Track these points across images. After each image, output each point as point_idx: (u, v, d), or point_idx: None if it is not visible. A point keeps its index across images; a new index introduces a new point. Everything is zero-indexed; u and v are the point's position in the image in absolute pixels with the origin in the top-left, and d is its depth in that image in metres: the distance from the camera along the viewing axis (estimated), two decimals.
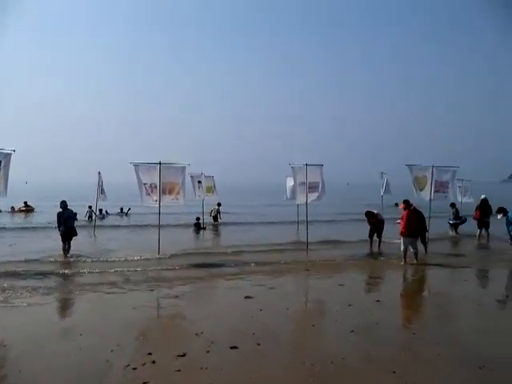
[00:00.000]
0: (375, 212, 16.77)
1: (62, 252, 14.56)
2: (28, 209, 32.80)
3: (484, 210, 18.96)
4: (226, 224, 25.34)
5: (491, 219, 18.45)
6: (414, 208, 13.77)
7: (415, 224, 13.52)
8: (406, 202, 13.82)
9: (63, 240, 14.62)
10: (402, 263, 13.31)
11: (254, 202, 46.99)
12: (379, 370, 5.67)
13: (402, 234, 13.43)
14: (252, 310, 8.50)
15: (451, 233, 20.89)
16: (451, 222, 21.21)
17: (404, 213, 13.57)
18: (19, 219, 28.85)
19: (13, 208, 31.94)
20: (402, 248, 13.41)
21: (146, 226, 23.31)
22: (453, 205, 21.04)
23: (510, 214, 14.18)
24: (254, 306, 8.76)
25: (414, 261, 13.35)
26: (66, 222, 14.53)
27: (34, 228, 22.96)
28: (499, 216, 14.45)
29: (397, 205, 15.22)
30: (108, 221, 27.79)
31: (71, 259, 14.15)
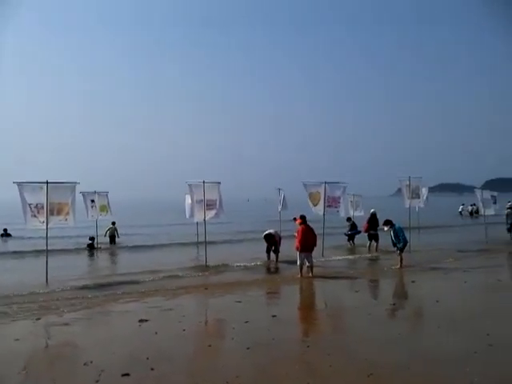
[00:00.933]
0: (273, 233, 17.09)
1: None
2: None
3: (372, 223, 20.13)
4: (123, 247, 24.13)
5: (381, 231, 19.58)
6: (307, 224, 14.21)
7: (310, 239, 13.93)
8: (303, 218, 14.21)
9: None
10: (299, 277, 13.66)
11: (153, 221, 45.71)
12: None
13: (297, 248, 13.78)
14: (147, 333, 8.21)
15: (350, 245, 22.00)
16: (347, 233, 22.37)
17: (299, 228, 13.95)
18: None
19: None
20: (298, 262, 13.79)
21: (33, 251, 21.51)
22: (349, 219, 22.34)
23: (396, 226, 15.15)
24: (149, 329, 8.46)
25: (310, 274, 13.75)
26: None
27: None
28: (385, 228, 15.38)
29: (295, 219, 15.77)
30: None
31: None
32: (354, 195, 25.94)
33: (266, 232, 17.22)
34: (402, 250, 15.04)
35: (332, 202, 18.53)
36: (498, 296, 11.13)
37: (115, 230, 24.60)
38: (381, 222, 17.05)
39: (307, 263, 13.83)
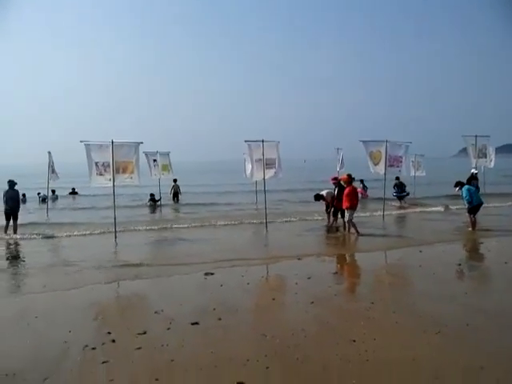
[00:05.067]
0: (323, 194, 16.77)
1: (3, 228, 15.04)
2: None
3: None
4: (186, 204, 24.79)
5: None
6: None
7: (356, 198, 14.43)
8: (349, 176, 14.41)
9: (7, 218, 15.05)
10: (354, 233, 13.89)
11: (212, 181, 46.31)
12: (339, 340, 5.75)
13: (347, 207, 14.00)
14: (212, 286, 8.46)
15: (400, 204, 21.78)
16: (396, 194, 22.10)
17: (348, 189, 14.11)
18: None
19: None
20: (348, 218, 14.13)
21: (101, 208, 22.60)
22: (397, 178, 21.98)
23: (466, 187, 14.57)
24: (215, 282, 8.72)
25: (353, 231, 13.96)
26: (8, 202, 14.93)
27: None
28: (456, 189, 14.86)
29: (335, 179, 15.90)
30: (60, 204, 26.86)
31: (17, 236, 14.49)
32: (415, 155, 25.23)
33: (320, 192, 17.05)
34: (472, 211, 14.47)
35: (394, 162, 18.07)
36: None
37: (178, 187, 25.45)
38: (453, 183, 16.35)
39: (351, 220, 14.24)
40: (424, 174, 26.03)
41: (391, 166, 17.93)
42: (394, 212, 19.72)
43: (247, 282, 8.66)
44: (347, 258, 11.64)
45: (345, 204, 14.16)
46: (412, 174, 25.06)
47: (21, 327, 6.57)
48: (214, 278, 9.00)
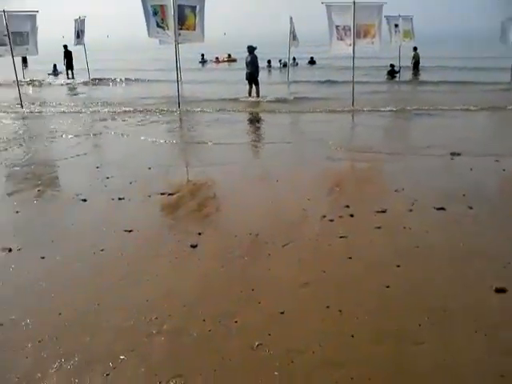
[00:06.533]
0: None
1: (247, 94, 15.77)
2: (230, 59, 34.50)
3: None
4: (427, 82, 20.71)
5: None
6: None
7: None
8: None
9: (249, 83, 15.66)
10: None
11: (460, 53, 38.75)
12: None
13: None
14: (460, 168, 7.46)
15: None
16: None
17: None
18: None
19: (217, 58, 34.58)
20: None
21: (336, 82, 21.49)
22: None
23: None
24: (463, 164, 7.67)
25: None
26: (248, 66, 15.37)
27: None
28: None
29: None
30: (298, 73, 26.64)
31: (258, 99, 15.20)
32: None
33: None
34: None
35: None
36: None
37: (419, 56, 23.23)
38: None
39: None
40: None
41: None
42: None
43: (503, 167, 7.39)
44: None
45: None
46: None
47: (260, 191, 6.71)
48: (461, 160, 7.91)
